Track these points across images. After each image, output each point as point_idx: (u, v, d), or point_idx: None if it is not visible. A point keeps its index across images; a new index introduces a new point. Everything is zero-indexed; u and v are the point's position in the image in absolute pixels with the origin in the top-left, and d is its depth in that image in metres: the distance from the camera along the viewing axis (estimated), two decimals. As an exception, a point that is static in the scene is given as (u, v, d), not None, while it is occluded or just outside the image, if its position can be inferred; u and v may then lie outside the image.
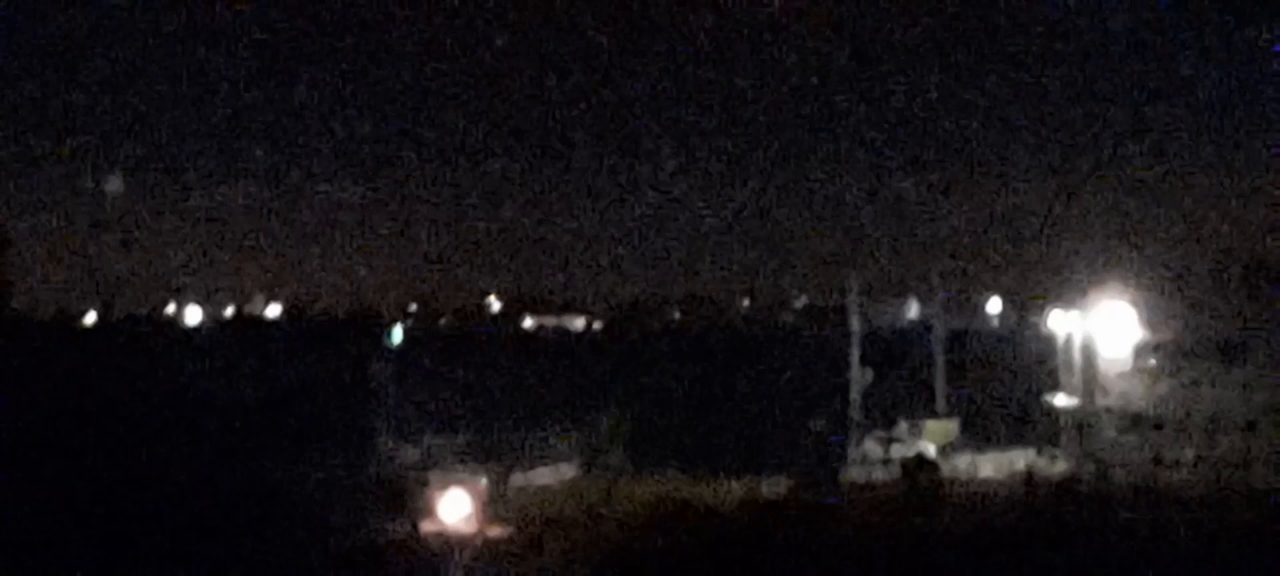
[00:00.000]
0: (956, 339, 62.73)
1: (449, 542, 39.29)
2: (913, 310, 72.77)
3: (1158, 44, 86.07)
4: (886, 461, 53.95)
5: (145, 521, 39.30)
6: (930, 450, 54.66)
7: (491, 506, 42.71)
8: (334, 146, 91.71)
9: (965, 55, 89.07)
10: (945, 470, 52.45)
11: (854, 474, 53.17)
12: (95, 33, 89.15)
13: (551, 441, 55.13)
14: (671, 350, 67.85)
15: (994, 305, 73.60)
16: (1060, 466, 52.40)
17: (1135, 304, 61.46)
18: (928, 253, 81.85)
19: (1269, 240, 72.66)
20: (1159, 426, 55.23)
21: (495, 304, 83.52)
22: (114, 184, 69.19)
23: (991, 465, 53.65)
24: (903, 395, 59.36)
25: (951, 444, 56.68)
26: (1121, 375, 60.37)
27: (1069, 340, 62.29)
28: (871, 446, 55.99)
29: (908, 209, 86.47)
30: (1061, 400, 60.89)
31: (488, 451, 51.77)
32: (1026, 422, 58.73)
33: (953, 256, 79.53)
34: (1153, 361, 61.59)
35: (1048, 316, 65.36)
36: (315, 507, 42.33)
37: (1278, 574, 37.05)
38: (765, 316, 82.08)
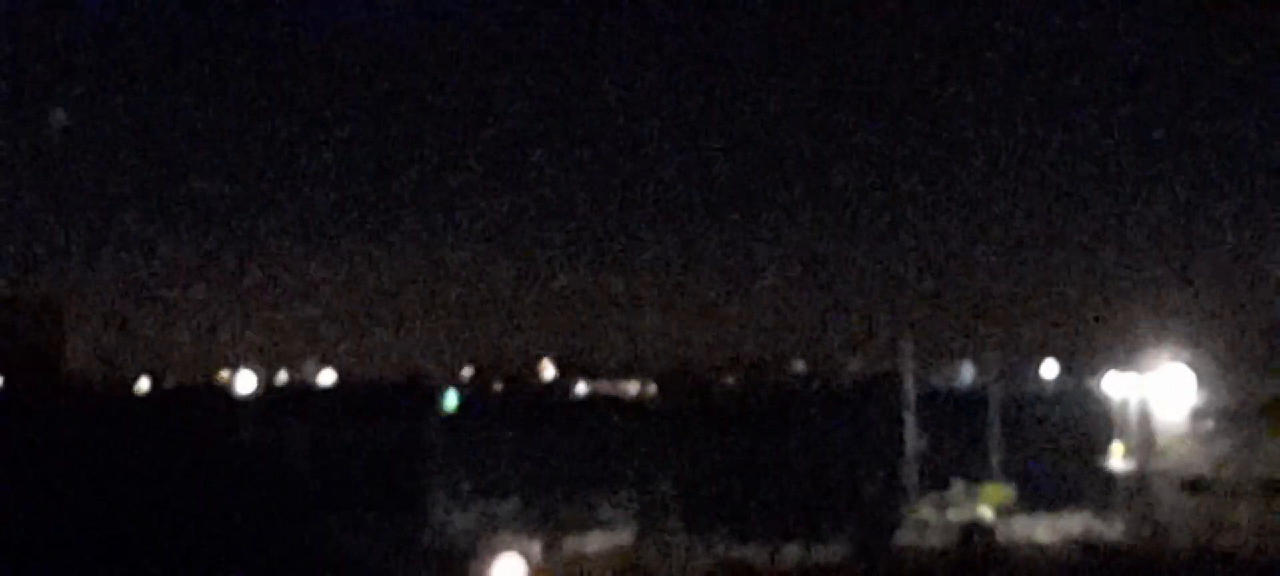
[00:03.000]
0: (1012, 402, 62.34)
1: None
2: (968, 373, 72.45)
3: (1217, 109, 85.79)
4: (942, 525, 53.60)
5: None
6: (986, 514, 54.30)
7: (545, 572, 42.64)
8: (387, 212, 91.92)
9: (1021, 120, 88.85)
10: (1001, 534, 52.12)
11: (909, 538, 52.81)
12: (142, 108, 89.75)
13: (605, 506, 54.90)
14: (726, 414, 67.64)
15: (1049, 368, 73.17)
16: (1117, 530, 51.99)
17: (1192, 366, 61.13)
18: (983, 316, 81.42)
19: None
20: (1216, 489, 54.83)
21: (549, 369, 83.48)
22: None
23: (1048, 529, 53.24)
24: (958, 459, 58.93)
25: (1007, 508, 56.28)
26: (1178, 438, 60.02)
27: (1125, 403, 61.94)
28: (927, 510, 55.59)
29: (963, 272, 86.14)
30: (1118, 463, 60.52)
31: (541, 517, 51.60)
32: (1083, 486, 58.35)
33: (1008, 319, 79.07)
34: (1210, 424, 61.22)
35: (1104, 379, 65.02)
36: (370, 574, 42.29)
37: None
38: (820, 380, 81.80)
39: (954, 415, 61.82)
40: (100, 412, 57.11)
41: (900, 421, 59.00)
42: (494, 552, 41.99)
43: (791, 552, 49.03)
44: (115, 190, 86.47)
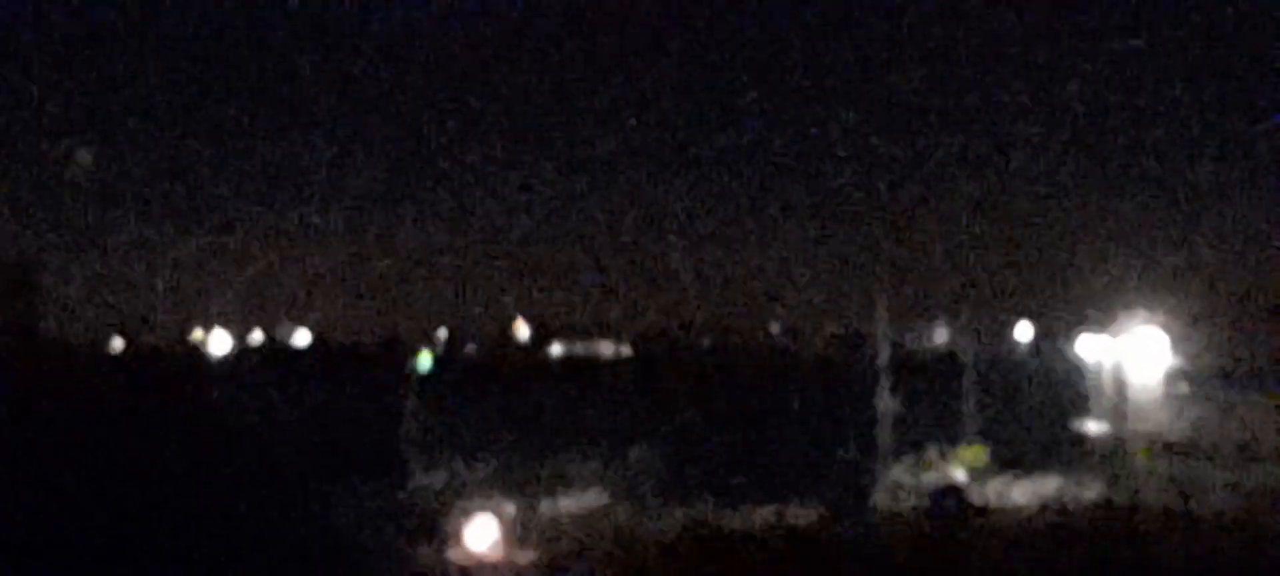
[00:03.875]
0: (986, 364, 62.38)
1: (476, 569, 39.26)
2: (941, 335, 72.42)
3: (1192, 67, 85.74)
4: (917, 487, 53.71)
5: (175, 549, 39.29)
6: (960, 476, 54.40)
7: (519, 533, 42.68)
8: (361, 172, 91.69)
9: (994, 78, 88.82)
10: (975, 497, 52.23)
11: (883, 500, 52.90)
12: (120, 66, 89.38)
13: (580, 468, 54.90)
14: (701, 376, 67.56)
15: (1023, 330, 73.17)
16: (1091, 493, 52.13)
17: (1166, 329, 61.21)
18: (956, 277, 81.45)
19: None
20: (1190, 453, 55.00)
21: (524, 330, 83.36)
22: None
23: (1022, 491, 53.39)
24: (932, 421, 58.98)
25: (982, 470, 56.39)
26: (1153, 401, 60.14)
27: (1099, 365, 62.03)
28: (901, 473, 55.70)
29: (935, 233, 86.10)
30: (1092, 426, 60.63)
31: (516, 478, 51.62)
32: (1057, 449, 58.44)
33: (982, 281, 79.09)
34: (1185, 387, 61.35)
35: (1078, 341, 65.08)
36: (343, 535, 42.24)
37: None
38: (795, 342, 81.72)
39: (928, 377, 61.88)
40: (78, 375, 56.95)
41: (874, 383, 59.02)
42: (468, 513, 41.99)
43: (765, 514, 49.09)
44: (86, 154, 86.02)
